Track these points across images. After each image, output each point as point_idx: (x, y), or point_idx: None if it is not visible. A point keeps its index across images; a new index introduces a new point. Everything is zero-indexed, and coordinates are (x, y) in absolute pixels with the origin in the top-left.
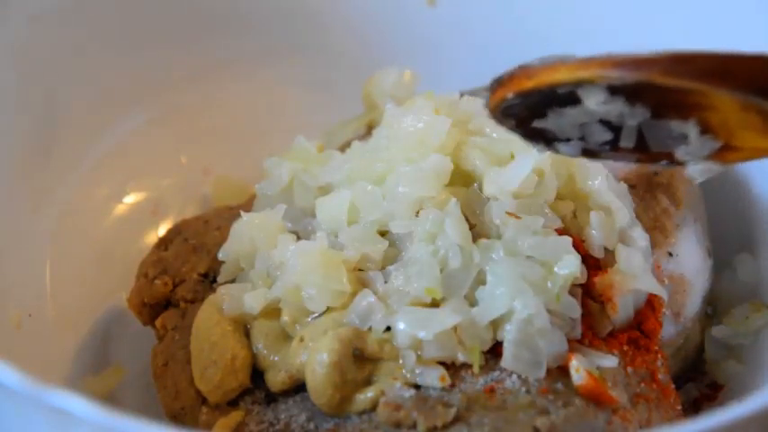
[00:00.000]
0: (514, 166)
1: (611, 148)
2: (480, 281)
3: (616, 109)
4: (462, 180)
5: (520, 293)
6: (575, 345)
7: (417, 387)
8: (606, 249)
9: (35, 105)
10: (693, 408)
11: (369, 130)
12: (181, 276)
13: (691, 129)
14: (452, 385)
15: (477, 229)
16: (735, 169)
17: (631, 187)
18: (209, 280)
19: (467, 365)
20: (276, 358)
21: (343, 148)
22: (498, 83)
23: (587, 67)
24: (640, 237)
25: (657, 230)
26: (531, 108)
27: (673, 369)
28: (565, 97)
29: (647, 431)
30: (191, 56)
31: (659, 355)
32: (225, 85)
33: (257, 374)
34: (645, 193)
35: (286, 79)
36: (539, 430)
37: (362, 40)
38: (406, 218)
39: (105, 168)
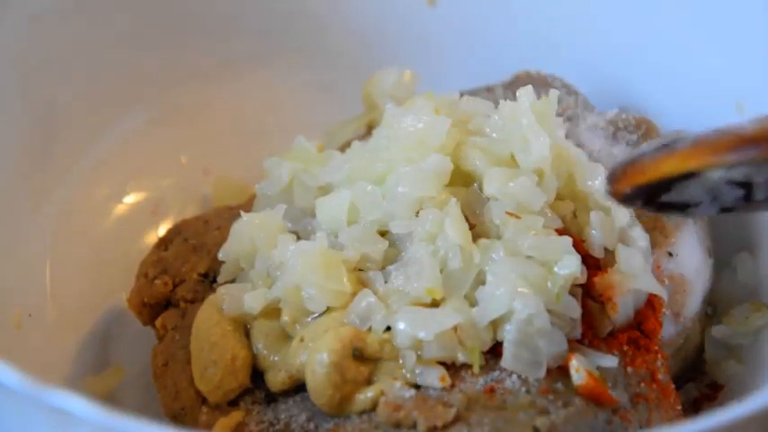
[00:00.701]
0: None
1: (745, 203)
2: (480, 281)
3: (741, 172)
4: (462, 180)
5: (520, 294)
6: (575, 345)
7: (417, 387)
8: (606, 249)
9: (35, 105)
10: (693, 408)
11: (369, 130)
12: (181, 276)
13: None
14: (452, 385)
15: (477, 229)
16: None
17: None
18: (209, 280)
19: (467, 365)
20: (276, 358)
21: (343, 148)
22: (614, 177)
23: (696, 155)
24: (640, 237)
25: (657, 230)
26: (655, 188)
27: (673, 369)
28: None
29: (647, 431)
30: (191, 56)
31: (659, 355)
32: (225, 85)
33: (257, 374)
34: None
35: (286, 79)
36: (539, 430)
37: (362, 41)
38: (406, 218)
39: (105, 168)
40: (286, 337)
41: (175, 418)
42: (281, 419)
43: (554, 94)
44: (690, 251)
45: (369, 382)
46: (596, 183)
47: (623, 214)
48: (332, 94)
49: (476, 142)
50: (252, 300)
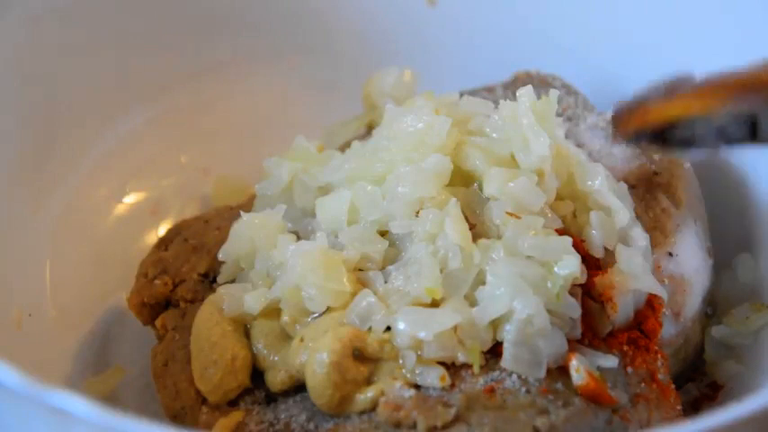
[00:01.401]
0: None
1: (752, 139)
2: (480, 281)
3: (746, 110)
4: (462, 180)
5: (520, 293)
6: (575, 345)
7: (417, 387)
8: (606, 249)
9: (35, 105)
10: (693, 408)
11: (369, 130)
12: (181, 276)
13: None
14: (452, 385)
15: (477, 229)
16: (735, 169)
17: (631, 187)
18: (209, 280)
19: (467, 365)
20: (276, 358)
21: (343, 148)
22: (619, 119)
23: (700, 99)
24: (640, 237)
25: (657, 230)
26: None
27: (672, 369)
28: None
29: (647, 431)
30: (191, 56)
31: (659, 355)
32: (225, 85)
33: (257, 374)
34: (645, 193)
35: (286, 79)
36: (539, 430)
37: (363, 41)
38: (406, 218)
39: (105, 168)
40: (286, 337)
41: (175, 418)
42: (281, 419)
43: (554, 94)
44: (690, 251)
45: (369, 382)
46: (596, 183)
47: (623, 214)
48: (332, 94)
49: (476, 142)
50: (252, 300)
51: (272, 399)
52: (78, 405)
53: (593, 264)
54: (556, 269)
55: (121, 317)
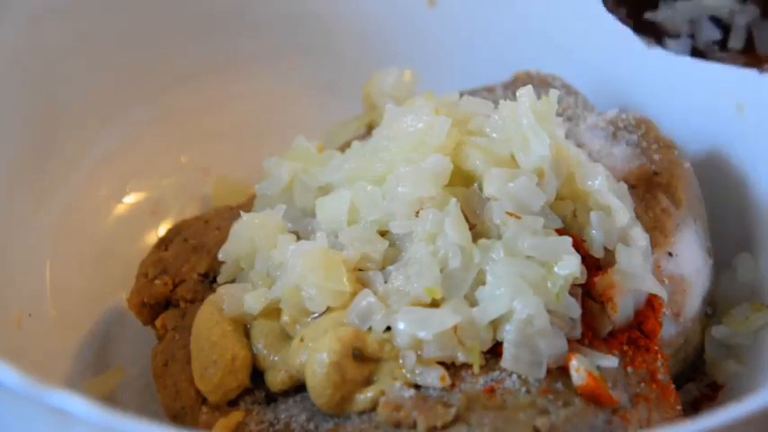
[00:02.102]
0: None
1: (719, 49)
2: (480, 281)
3: (727, 4)
4: (462, 180)
5: (520, 294)
6: (575, 345)
7: (417, 387)
8: (606, 249)
9: (35, 105)
10: (693, 408)
11: (369, 130)
12: (181, 276)
13: None
14: (452, 385)
15: (477, 229)
16: (735, 169)
17: (631, 187)
18: (209, 280)
19: (467, 365)
20: (276, 358)
21: (343, 148)
22: None
23: None
24: (640, 237)
25: (657, 230)
26: None
27: (672, 369)
28: None
29: (647, 431)
30: (191, 56)
31: (659, 355)
32: (225, 85)
33: (257, 374)
34: (645, 193)
35: (286, 79)
36: (539, 430)
37: (363, 41)
38: (405, 218)
39: (105, 168)
40: (286, 337)
41: (175, 418)
42: (281, 419)
43: (554, 94)
44: (690, 251)
45: (369, 382)
46: (596, 183)
47: (623, 214)
48: (332, 94)
49: (476, 142)
50: (252, 300)
51: (271, 399)
52: (78, 405)
53: (593, 264)
54: (556, 269)
55: (121, 317)
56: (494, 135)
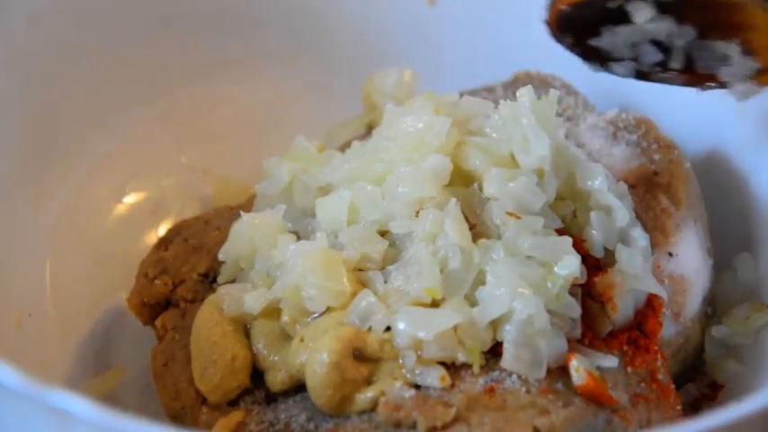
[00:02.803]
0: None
1: (661, 70)
2: (480, 281)
3: (665, 28)
4: (462, 180)
5: (520, 294)
6: (575, 345)
7: (417, 387)
8: (606, 249)
9: (35, 105)
10: (693, 408)
11: (369, 130)
12: (181, 276)
13: (733, 49)
14: (452, 385)
15: (477, 229)
16: (735, 169)
17: (631, 187)
18: (209, 280)
19: (467, 365)
20: (276, 358)
21: (344, 148)
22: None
23: None
24: (640, 236)
25: (657, 230)
26: (586, 27)
27: (672, 369)
28: (617, 14)
29: (647, 431)
30: (191, 56)
31: (659, 355)
32: (225, 85)
33: (257, 375)
34: (645, 193)
35: (286, 79)
36: (539, 430)
37: (363, 41)
38: (405, 218)
39: (105, 168)
40: (286, 337)
41: (175, 418)
42: (281, 419)
43: (554, 94)
44: (690, 251)
45: (369, 382)
46: (596, 183)
47: (623, 214)
48: (332, 94)
49: (476, 142)
50: (252, 300)
51: (271, 399)
52: (78, 405)
53: (593, 264)
54: (556, 269)
55: (121, 317)
56: (494, 135)
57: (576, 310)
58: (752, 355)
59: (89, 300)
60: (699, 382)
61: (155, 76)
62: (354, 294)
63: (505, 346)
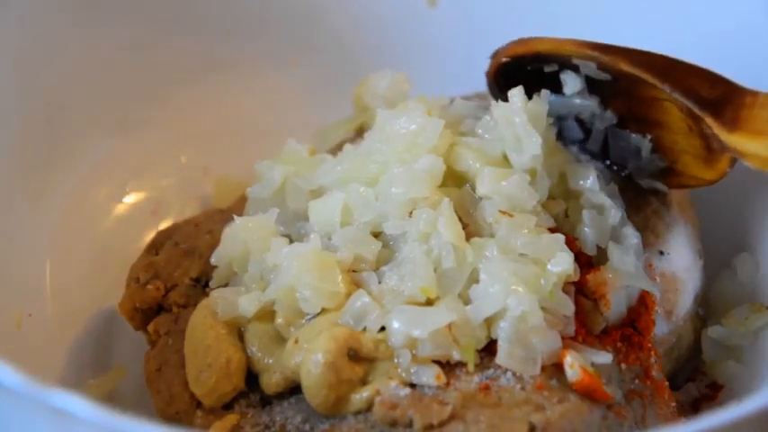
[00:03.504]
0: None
1: (580, 149)
2: (474, 279)
3: (590, 107)
4: (455, 181)
5: (513, 291)
6: (568, 342)
7: (413, 386)
8: (598, 247)
9: (35, 105)
10: (693, 408)
11: (359, 132)
12: (173, 281)
13: (645, 144)
14: (448, 383)
15: (471, 229)
16: (734, 169)
17: (622, 189)
18: (202, 285)
19: (462, 364)
20: (270, 361)
21: (334, 150)
22: (496, 51)
23: (570, 43)
24: (632, 235)
25: (649, 230)
26: (525, 86)
27: (666, 368)
28: (551, 80)
29: (648, 431)
30: (191, 56)
31: (652, 352)
32: (225, 85)
33: (252, 377)
34: (635, 195)
35: (286, 79)
36: (534, 426)
37: (363, 41)
38: (399, 218)
39: (105, 168)
40: (280, 339)
41: (170, 423)
42: (277, 422)
43: (545, 93)
44: (681, 250)
45: (364, 381)
46: (588, 182)
47: (615, 212)
48: (332, 95)
49: (468, 143)
50: (246, 302)
51: (266, 401)
52: (79, 405)
53: (586, 262)
54: (549, 267)
55: (121, 317)
56: (486, 136)
57: (569, 307)
58: (751, 356)
59: (89, 300)
60: (699, 382)
61: (155, 76)
62: (349, 295)
63: (500, 343)
